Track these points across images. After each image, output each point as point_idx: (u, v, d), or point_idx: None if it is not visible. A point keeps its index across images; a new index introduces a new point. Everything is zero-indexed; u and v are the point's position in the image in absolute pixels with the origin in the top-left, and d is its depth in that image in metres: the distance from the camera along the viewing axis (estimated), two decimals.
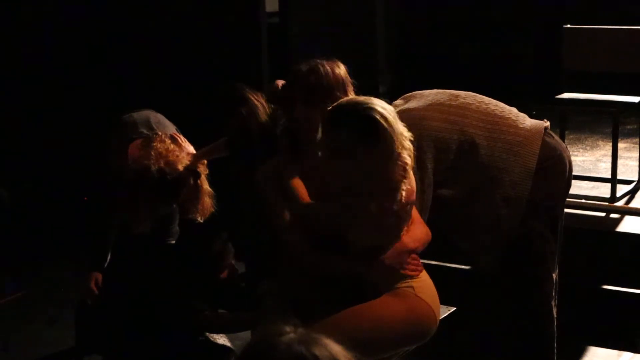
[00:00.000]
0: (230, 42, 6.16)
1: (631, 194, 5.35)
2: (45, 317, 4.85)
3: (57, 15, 6.50)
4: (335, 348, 1.55)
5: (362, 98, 2.83)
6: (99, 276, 3.75)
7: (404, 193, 2.82)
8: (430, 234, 3.04)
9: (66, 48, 6.49)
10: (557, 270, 3.42)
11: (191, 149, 3.69)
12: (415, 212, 3.01)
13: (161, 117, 4.01)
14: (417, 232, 2.99)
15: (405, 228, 2.95)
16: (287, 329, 1.58)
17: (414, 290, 2.93)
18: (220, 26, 6.22)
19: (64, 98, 6.44)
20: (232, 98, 3.72)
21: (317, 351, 1.53)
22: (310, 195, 2.99)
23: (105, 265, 3.79)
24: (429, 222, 3.11)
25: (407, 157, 2.79)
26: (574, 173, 3.57)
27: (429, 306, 2.94)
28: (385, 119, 2.74)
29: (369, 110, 2.74)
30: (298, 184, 3.01)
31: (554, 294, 3.40)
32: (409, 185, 2.87)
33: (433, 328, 2.98)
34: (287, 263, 3.08)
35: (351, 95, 3.11)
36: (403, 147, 2.77)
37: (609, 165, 5.34)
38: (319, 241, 2.92)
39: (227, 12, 6.21)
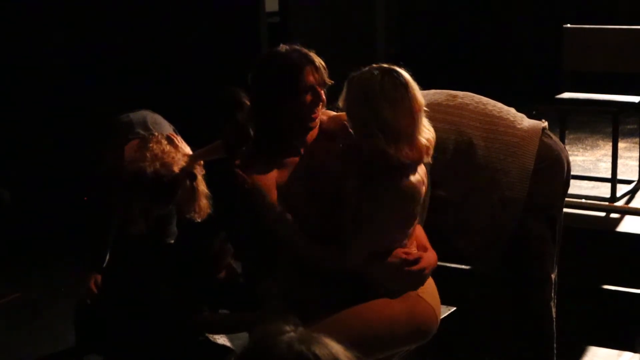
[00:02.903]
0: (230, 42, 6.15)
1: (631, 194, 5.35)
2: (44, 318, 4.86)
3: (56, 15, 6.50)
4: (336, 347, 1.56)
5: None
6: (98, 276, 3.75)
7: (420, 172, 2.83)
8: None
9: (65, 48, 6.49)
10: (557, 271, 3.42)
11: (188, 150, 3.68)
12: (420, 230, 3.01)
13: (158, 117, 3.99)
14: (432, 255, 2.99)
15: (412, 228, 2.93)
16: (288, 328, 1.58)
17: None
18: (220, 26, 6.22)
19: (63, 98, 6.44)
20: (228, 103, 3.72)
21: (318, 350, 1.53)
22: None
23: (104, 265, 3.79)
24: (427, 222, 3.11)
25: (430, 135, 2.83)
26: (573, 173, 3.57)
27: (430, 306, 2.94)
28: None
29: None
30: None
31: (553, 294, 3.39)
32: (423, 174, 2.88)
33: (434, 328, 2.97)
34: (286, 262, 3.07)
35: None
36: (424, 124, 2.82)
37: (609, 165, 5.35)
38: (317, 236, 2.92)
39: (227, 12, 6.21)
